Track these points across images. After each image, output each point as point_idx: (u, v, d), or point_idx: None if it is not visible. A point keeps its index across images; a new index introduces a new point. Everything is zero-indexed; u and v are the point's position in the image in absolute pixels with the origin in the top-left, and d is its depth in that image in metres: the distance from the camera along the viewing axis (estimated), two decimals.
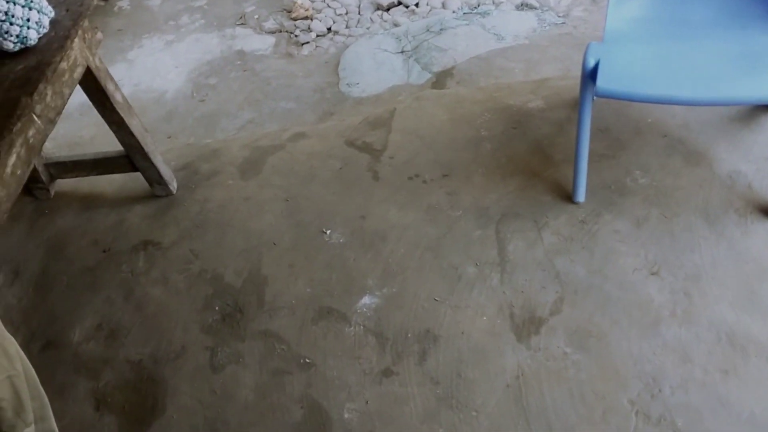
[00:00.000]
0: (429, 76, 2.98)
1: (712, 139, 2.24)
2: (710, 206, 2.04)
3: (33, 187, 2.49)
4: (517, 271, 1.99)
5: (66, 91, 1.86)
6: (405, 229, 2.18)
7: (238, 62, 3.32)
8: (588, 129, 2.06)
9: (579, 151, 2.09)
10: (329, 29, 3.43)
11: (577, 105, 2.07)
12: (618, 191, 2.15)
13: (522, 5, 3.32)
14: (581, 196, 2.14)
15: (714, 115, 2.33)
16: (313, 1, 3.60)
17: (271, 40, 3.44)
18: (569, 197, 2.16)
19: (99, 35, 2.06)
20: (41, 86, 1.67)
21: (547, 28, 3.14)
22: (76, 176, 2.47)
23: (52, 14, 1.81)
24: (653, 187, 2.13)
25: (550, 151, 2.34)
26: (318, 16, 3.51)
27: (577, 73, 2.05)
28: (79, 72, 1.92)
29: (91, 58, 1.98)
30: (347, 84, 3.05)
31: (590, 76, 1.98)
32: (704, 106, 2.32)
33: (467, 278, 2.00)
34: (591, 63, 1.99)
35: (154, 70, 3.36)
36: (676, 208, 2.06)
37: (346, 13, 3.50)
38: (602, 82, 1.92)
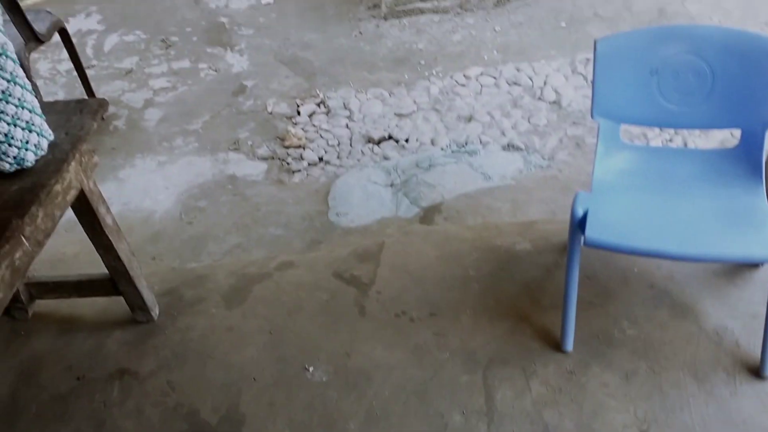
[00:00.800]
0: (417, 210, 3.03)
1: (698, 292, 2.27)
2: (698, 363, 2.03)
3: (11, 306, 2.42)
4: (504, 422, 1.94)
5: (57, 213, 1.84)
6: (391, 369, 2.14)
7: (229, 186, 3.36)
8: (576, 277, 2.08)
9: (567, 299, 2.10)
10: (321, 159, 3.51)
11: (565, 250, 2.10)
12: (606, 342, 2.14)
13: (508, 146, 3.44)
14: (569, 344, 2.13)
15: (699, 269, 2.37)
16: (306, 131, 3.71)
17: (263, 166, 3.50)
18: (557, 345, 2.14)
19: (95, 159, 2.07)
20: (33, 208, 1.65)
21: (533, 170, 3.24)
22: (57, 297, 2.41)
23: (52, 137, 1.82)
24: (641, 340, 2.13)
25: (538, 296, 2.35)
26: (310, 145, 3.60)
27: (563, 216, 2.10)
28: (72, 195, 1.91)
29: (85, 182, 1.99)
30: (336, 213, 3.09)
31: (579, 225, 2.03)
32: (690, 261, 2.36)
33: (453, 427, 1.94)
34: (580, 212, 2.04)
35: (144, 190, 3.39)
36: (664, 362, 2.05)
37: (338, 145, 3.60)
38: (591, 232, 1.96)
